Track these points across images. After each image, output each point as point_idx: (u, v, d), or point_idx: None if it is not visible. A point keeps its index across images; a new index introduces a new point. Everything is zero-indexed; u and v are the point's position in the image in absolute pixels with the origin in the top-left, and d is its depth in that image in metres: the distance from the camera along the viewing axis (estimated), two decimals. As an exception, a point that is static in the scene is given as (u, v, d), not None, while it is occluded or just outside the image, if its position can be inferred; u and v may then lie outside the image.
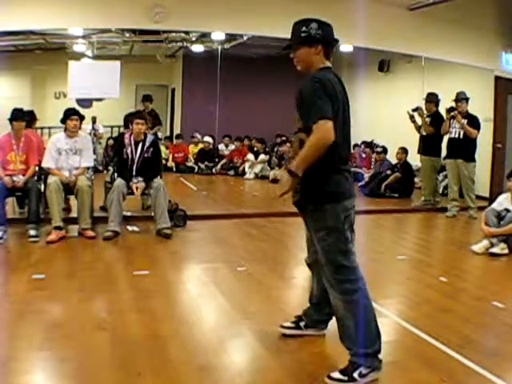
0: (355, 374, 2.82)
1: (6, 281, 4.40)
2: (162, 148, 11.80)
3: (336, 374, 2.84)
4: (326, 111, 2.71)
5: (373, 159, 11.15)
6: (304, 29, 2.91)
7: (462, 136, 8.07)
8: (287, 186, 2.91)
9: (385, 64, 12.58)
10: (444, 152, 8.67)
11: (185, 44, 12.13)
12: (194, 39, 11.71)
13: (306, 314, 3.46)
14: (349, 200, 2.91)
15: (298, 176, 2.75)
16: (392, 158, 10.57)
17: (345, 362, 2.89)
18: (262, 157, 12.69)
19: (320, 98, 2.73)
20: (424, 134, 8.73)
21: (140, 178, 6.26)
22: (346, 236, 2.88)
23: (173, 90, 15.70)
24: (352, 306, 2.88)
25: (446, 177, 9.31)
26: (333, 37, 3.00)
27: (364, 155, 12.24)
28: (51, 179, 5.88)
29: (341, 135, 2.82)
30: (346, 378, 2.81)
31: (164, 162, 12.07)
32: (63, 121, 6.18)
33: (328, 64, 2.98)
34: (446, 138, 8.50)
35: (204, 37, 11.47)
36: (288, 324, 3.47)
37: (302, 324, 3.45)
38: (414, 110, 8.71)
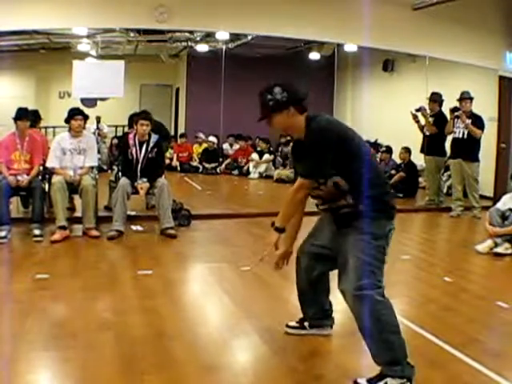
0: None
1: (10, 280, 4.40)
2: (166, 147, 11.82)
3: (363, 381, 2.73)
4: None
5: (377, 159, 11.13)
6: (269, 97, 2.88)
7: (466, 136, 8.04)
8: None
9: (389, 64, 12.56)
10: (448, 152, 8.65)
11: (189, 44, 12.16)
12: (198, 39, 11.74)
13: (305, 314, 3.46)
14: None
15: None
16: (395, 157, 10.56)
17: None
18: (266, 156, 12.70)
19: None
20: (427, 133, 8.72)
21: (144, 179, 6.26)
22: None
23: (177, 90, 15.72)
24: None
25: (450, 177, 9.29)
26: (300, 93, 2.94)
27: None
28: (55, 179, 5.89)
29: None
30: None
31: (168, 161, 12.09)
32: (67, 120, 6.18)
33: (305, 114, 2.92)
34: (449, 138, 8.48)
35: (208, 36, 11.50)
36: (293, 323, 3.49)
37: (306, 324, 3.45)
38: (417, 110, 8.69)
